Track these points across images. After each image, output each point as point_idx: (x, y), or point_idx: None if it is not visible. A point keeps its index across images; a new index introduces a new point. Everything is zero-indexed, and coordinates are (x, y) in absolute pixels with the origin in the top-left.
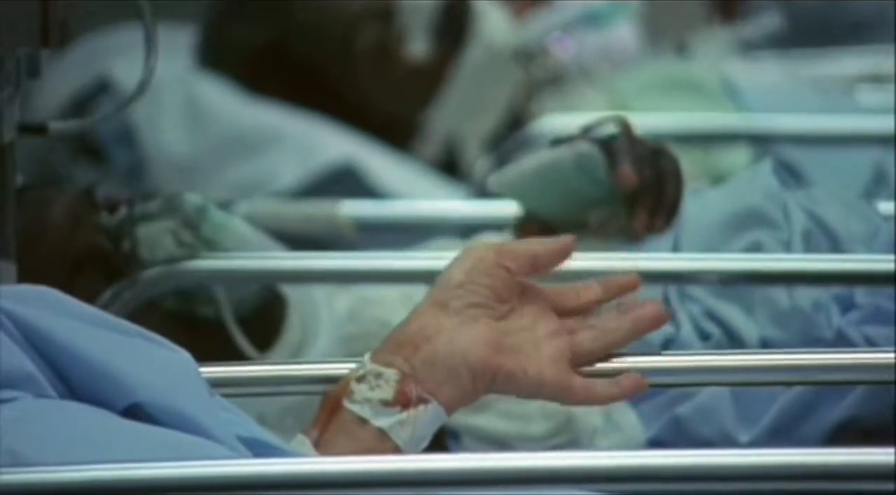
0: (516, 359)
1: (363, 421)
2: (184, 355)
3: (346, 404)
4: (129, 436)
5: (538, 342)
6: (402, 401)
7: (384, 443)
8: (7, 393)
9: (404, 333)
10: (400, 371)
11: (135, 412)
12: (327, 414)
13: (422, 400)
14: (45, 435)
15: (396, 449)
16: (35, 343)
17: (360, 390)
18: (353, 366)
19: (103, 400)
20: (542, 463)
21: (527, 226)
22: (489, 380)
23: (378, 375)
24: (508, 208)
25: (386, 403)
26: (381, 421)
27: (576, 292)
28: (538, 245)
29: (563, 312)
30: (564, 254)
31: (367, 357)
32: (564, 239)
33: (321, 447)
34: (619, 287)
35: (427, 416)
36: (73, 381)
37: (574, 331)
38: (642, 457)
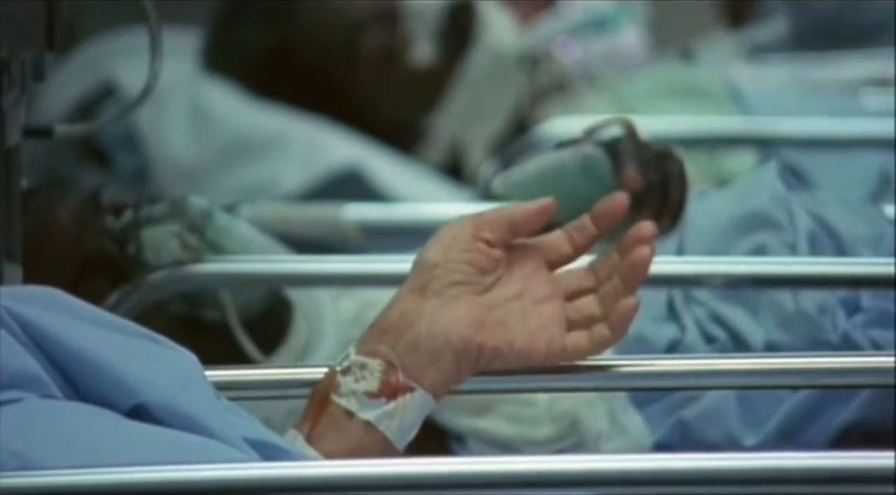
0: (501, 333)
1: (350, 415)
2: (189, 357)
3: (333, 398)
4: (136, 437)
5: (527, 310)
6: (388, 392)
7: (373, 435)
8: (12, 394)
9: (386, 321)
10: (384, 360)
11: (140, 413)
12: (316, 408)
13: (407, 389)
14: (51, 436)
15: (386, 441)
16: (40, 344)
17: (346, 382)
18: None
19: (109, 401)
20: (547, 466)
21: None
22: (474, 359)
23: (362, 366)
24: None
25: (371, 395)
26: (368, 414)
27: (568, 236)
28: (515, 210)
29: (559, 262)
30: (543, 214)
31: (351, 348)
32: (543, 200)
33: (312, 442)
34: (608, 214)
35: (414, 404)
36: (78, 382)
37: (571, 295)
38: (648, 461)
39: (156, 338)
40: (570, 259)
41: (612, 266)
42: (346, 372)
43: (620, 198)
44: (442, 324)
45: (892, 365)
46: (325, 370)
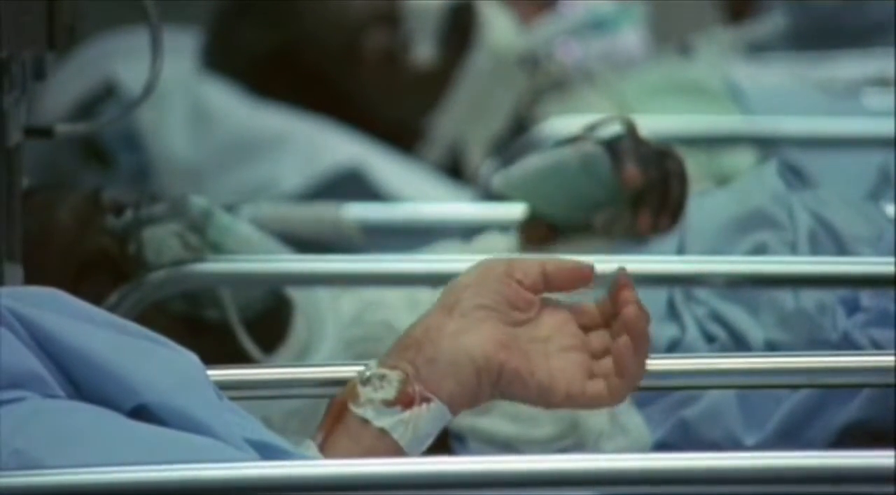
0: (524, 360)
1: (366, 423)
2: (190, 357)
3: (351, 407)
4: (137, 437)
5: (550, 353)
6: (404, 401)
7: (386, 443)
8: (15, 393)
9: (410, 337)
10: (403, 372)
11: (141, 413)
12: (333, 418)
13: (424, 399)
14: (53, 435)
15: (398, 449)
16: (42, 343)
17: (365, 392)
18: (359, 368)
19: (110, 400)
20: (547, 466)
21: (531, 227)
22: (495, 376)
23: (382, 377)
24: (513, 211)
25: (388, 403)
26: (383, 421)
27: (600, 308)
28: (551, 264)
29: (588, 327)
30: (580, 279)
31: (373, 362)
32: (582, 264)
33: (325, 450)
34: (620, 293)
35: (429, 415)
36: (80, 382)
37: (596, 355)
38: (648, 460)
39: (157, 338)
40: (598, 327)
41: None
42: (365, 383)
43: (622, 277)
44: (466, 340)
45: (893, 364)
46: (325, 369)
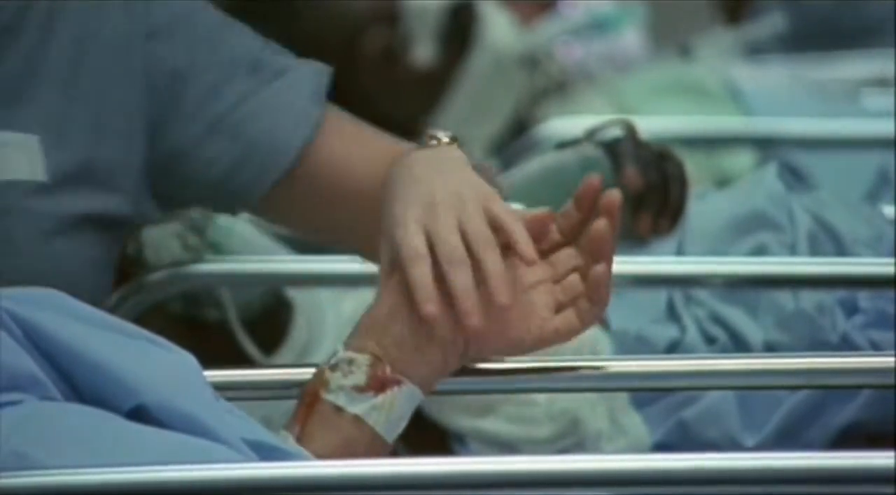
0: (488, 322)
1: (339, 410)
2: (188, 358)
3: (323, 394)
4: (135, 438)
5: (515, 299)
6: (375, 386)
7: (362, 430)
8: (12, 396)
9: (373, 317)
10: (371, 355)
11: (139, 414)
12: (306, 407)
13: (395, 382)
14: (51, 437)
15: (374, 435)
16: (40, 345)
17: (335, 378)
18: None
19: (107, 401)
20: (547, 466)
21: None
22: (461, 349)
23: (350, 362)
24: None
25: (359, 389)
26: (357, 408)
27: (556, 224)
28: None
29: (550, 250)
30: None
31: (339, 345)
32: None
33: (303, 441)
34: (588, 194)
35: (402, 397)
36: (77, 383)
37: (559, 277)
38: (648, 461)
39: (155, 339)
40: (559, 246)
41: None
42: (334, 368)
43: (594, 180)
44: None
45: (893, 365)
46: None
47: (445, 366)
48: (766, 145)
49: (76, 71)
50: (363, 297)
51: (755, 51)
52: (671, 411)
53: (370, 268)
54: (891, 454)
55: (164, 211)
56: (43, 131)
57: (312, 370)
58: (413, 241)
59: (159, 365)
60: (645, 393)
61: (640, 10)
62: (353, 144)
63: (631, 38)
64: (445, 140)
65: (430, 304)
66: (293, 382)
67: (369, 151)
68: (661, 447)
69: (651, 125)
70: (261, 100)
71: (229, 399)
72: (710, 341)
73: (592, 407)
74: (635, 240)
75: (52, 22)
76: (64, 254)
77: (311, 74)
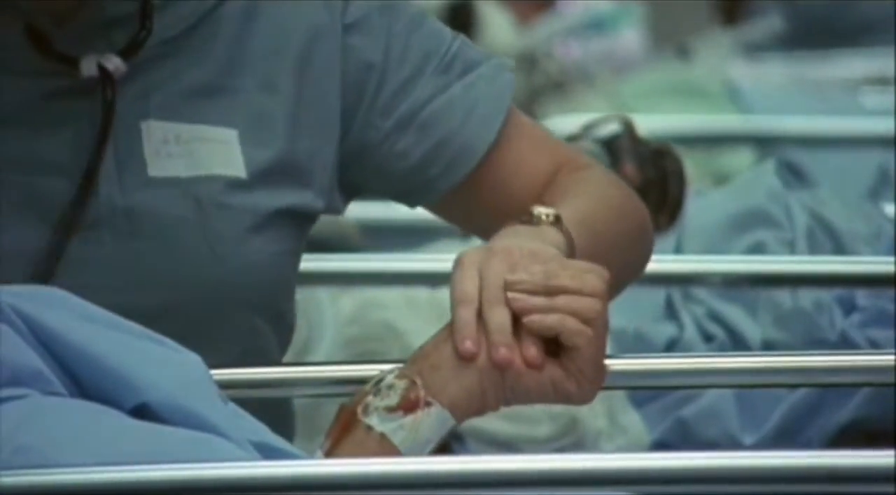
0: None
1: (370, 429)
2: (192, 356)
3: (359, 415)
4: (140, 435)
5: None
6: (406, 406)
7: (386, 448)
8: (16, 391)
9: (422, 349)
10: (409, 380)
11: (143, 412)
12: (341, 425)
13: (425, 404)
14: (56, 431)
15: (398, 454)
16: (44, 341)
17: (372, 401)
18: (359, 367)
19: (112, 399)
20: (546, 465)
21: None
22: (497, 378)
23: (390, 387)
24: None
25: (391, 409)
26: (385, 427)
27: None
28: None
29: None
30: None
31: (388, 372)
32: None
33: (329, 456)
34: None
35: (429, 420)
36: (82, 380)
37: None
38: (646, 460)
39: (161, 339)
40: None
41: None
42: (374, 392)
43: None
44: None
45: (892, 363)
46: (325, 368)
47: (483, 396)
48: (764, 144)
49: (274, 65)
50: (362, 296)
51: (753, 50)
52: (670, 410)
53: (369, 266)
54: (890, 452)
55: (346, 203)
56: (242, 126)
57: (312, 369)
58: (465, 284)
59: (164, 363)
60: (644, 391)
61: (639, 10)
62: (530, 150)
63: (629, 38)
64: (546, 218)
65: (469, 342)
66: (293, 381)
67: (542, 159)
68: (659, 445)
69: (650, 123)
70: (452, 95)
71: (231, 398)
72: (709, 339)
73: (591, 406)
74: None
75: (250, 16)
76: (260, 250)
77: (498, 69)
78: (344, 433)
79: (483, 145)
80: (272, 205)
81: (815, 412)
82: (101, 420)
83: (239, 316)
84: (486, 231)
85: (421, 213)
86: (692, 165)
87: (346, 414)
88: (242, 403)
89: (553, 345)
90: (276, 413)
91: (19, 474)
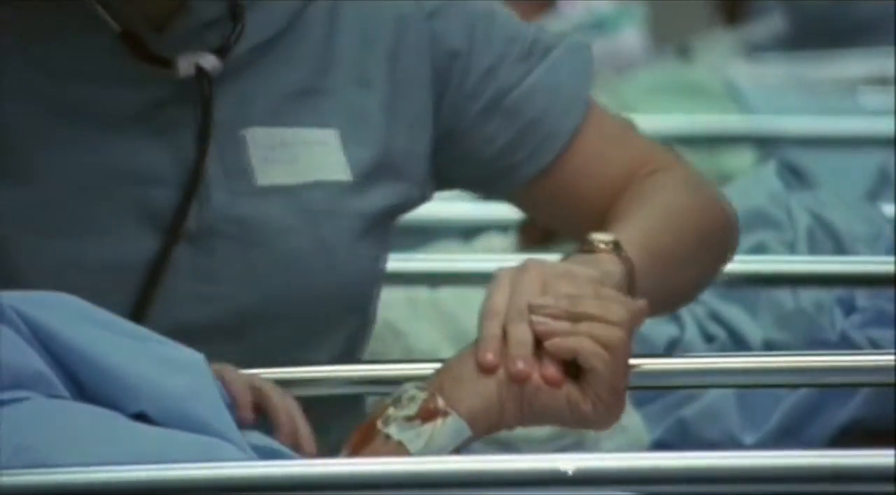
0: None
1: (388, 438)
2: (197, 357)
3: (379, 425)
4: (142, 437)
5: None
6: (423, 416)
7: (400, 455)
8: (17, 393)
9: (446, 362)
10: (429, 391)
11: (146, 416)
12: (361, 435)
13: (442, 413)
14: (58, 432)
15: None
16: (47, 344)
17: (392, 412)
18: (360, 366)
19: (113, 404)
20: (546, 465)
21: (531, 227)
22: (516, 393)
23: (411, 398)
24: (513, 211)
25: (409, 419)
26: (402, 435)
27: None
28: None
29: None
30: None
31: (410, 384)
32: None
33: None
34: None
35: (446, 429)
36: (84, 385)
37: None
38: (647, 459)
39: (166, 341)
40: None
41: None
42: (396, 403)
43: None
44: None
45: (892, 363)
46: (325, 368)
47: (501, 409)
48: (765, 144)
49: (365, 60)
50: None
51: (754, 50)
52: (670, 409)
53: None
54: (890, 452)
55: (434, 191)
56: (341, 126)
57: (313, 368)
58: (495, 300)
59: (168, 368)
60: (644, 391)
61: (640, 10)
62: (608, 141)
63: (630, 38)
64: (604, 246)
65: (490, 354)
66: (294, 381)
67: (620, 151)
68: (660, 445)
69: (651, 123)
70: (535, 80)
71: None
72: (709, 339)
73: None
74: None
75: (336, 14)
76: (367, 254)
77: (576, 51)
78: (362, 443)
79: (567, 129)
80: (378, 205)
81: (815, 412)
82: (105, 422)
83: (342, 318)
84: (565, 222)
85: (421, 213)
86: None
87: (366, 425)
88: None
89: (573, 369)
90: (353, 411)
91: (19, 474)
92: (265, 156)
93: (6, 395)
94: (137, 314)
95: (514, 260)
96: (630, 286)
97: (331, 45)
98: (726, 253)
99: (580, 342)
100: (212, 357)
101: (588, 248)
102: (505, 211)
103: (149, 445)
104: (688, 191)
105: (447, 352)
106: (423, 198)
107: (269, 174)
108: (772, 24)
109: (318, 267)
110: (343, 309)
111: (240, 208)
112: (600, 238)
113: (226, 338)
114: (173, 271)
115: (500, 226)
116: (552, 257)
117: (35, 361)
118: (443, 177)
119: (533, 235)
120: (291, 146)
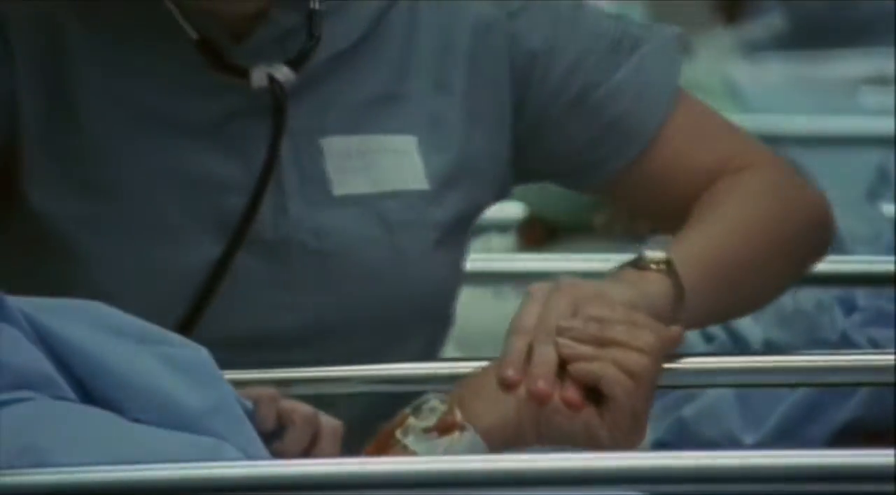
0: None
1: (405, 448)
2: (202, 354)
3: (397, 434)
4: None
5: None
6: (441, 428)
7: None
8: (21, 393)
9: (469, 376)
10: (449, 404)
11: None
12: (379, 443)
13: (459, 427)
14: (62, 432)
15: None
16: (53, 348)
17: (411, 422)
18: (361, 367)
19: (116, 409)
20: (546, 465)
21: (531, 227)
22: (535, 412)
23: (432, 409)
24: (513, 211)
25: (426, 430)
26: (418, 446)
27: None
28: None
29: None
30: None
31: (432, 396)
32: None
33: None
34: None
35: (462, 442)
36: (89, 389)
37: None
38: (647, 459)
39: (172, 342)
40: None
41: None
42: (415, 414)
43: None
44: None
45: (892, 363)
46: (325, 368)
47: (519, 427)
48: (765, 143)
49: (444, 64)
50: None
51: (753, 49)
52: (670, 409)
53: None
54: (890, 452)
55: (513, 187)
56: (420, 132)
57: (313, 369)
58: (524, 316)
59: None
60: None
61: (639, 9)
62: (694, 138)
63: None
64: (655, 266)
65: (512, 370)
66: (294, 381)
67: (707, 146)
68: (660, 445)
69: None
70: (622, 77)
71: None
72: (709, 339)
73: None
74: (633, 238)
75: (415, 18)
76: (443, 262)
77: (665, 45)
78: (379, 450)
79: (653, 126)
80: (455, 212)
81: (815, 412)
82: (109, 424)
83: (420, 326)
84: (652, 215)
85: None
86: None
87: (384, 434)
88: None
89: (595, 394)
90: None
91: (19, 474)
92: (341, 165)
93: (11, 396)
94: (195, 319)
95: (514, 260)
96: (676, 306)
97: (410, 49)
98: (814, 253)
99: (604, 368)
100: (289, 365)
101: (640, 265)
102: (505, 211)
103: (150, 446)
104: (770, 195)
105: (448, 351)
106: (501, 196)
107: (345, 184)
108: (771, 23)
109: (394, 277)
110: (420, 317)
111: (316, 218)
112: (652, 257)
113: (304, 346)
114: (250, 280)
115: (500, 226)
116: (561, 257)
117: (41, 363)
118: (526, 173)
119: (533, 235)
120: (368, 154)
